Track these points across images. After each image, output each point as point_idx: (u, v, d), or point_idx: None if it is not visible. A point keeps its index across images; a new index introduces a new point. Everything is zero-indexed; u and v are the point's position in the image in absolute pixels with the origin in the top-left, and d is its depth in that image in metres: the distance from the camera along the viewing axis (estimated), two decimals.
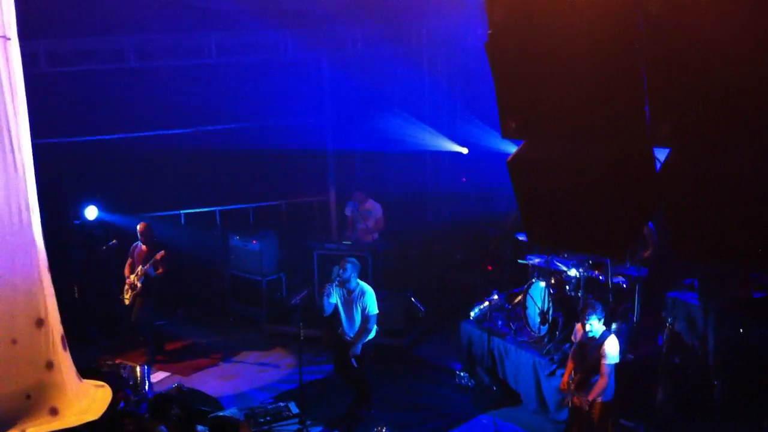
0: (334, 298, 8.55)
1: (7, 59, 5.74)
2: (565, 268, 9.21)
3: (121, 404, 7.78)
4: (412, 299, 11.17)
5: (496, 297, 9.93)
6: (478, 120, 12.47)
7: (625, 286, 8.93)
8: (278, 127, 12.50)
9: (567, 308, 9.00)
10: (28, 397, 6.02)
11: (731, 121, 3.12)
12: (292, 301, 9.40)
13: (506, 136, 3.93)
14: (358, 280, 8.53)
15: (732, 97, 3.08)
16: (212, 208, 12.99)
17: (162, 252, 10.24)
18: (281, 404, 8.86)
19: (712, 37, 3.05)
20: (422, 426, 8.75)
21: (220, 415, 7.97)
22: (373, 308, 8.46)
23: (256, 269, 11.84)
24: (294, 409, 8.71)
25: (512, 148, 4.03)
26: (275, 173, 12.80)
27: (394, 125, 12.90)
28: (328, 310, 8.62)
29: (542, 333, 9.15)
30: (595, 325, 7.32)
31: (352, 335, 8.58)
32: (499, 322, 9.77)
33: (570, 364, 7.68)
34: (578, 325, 7.68)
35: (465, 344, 10.03)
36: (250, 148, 12.37)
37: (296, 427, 8.51)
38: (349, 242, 11.48)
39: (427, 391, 9.63)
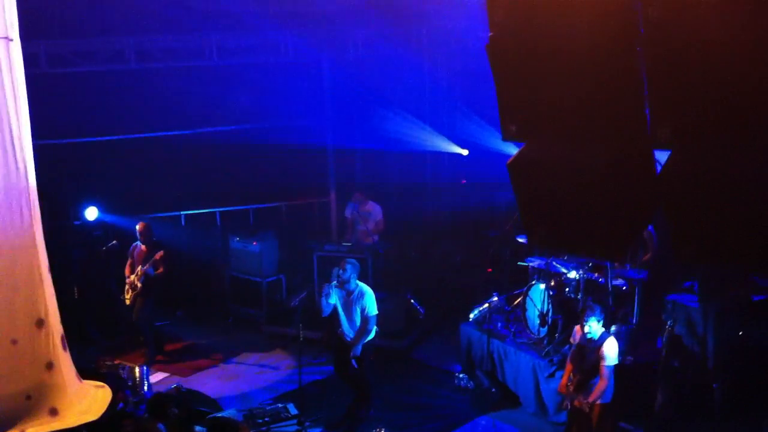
0: (333, 298, 8.55)
1: (9, 60, 5.75)
2: (565, 271, 9.21)
3: (120, 405, 7.79)
4: (412, 301, 11.17)
5: (495, 299, 9.93)
6: (478, 121, 12.48)
7: (624, 288, 8.93)
8: (278, 128, 12.51)
9: (567, 310, 9.00)
10: (29, 397, 6.03)
11: (731, 123, 3.12)
12: (292, 303, 9.39)
13: (507, 138, 3.93)
14: (358, 282, 8.53)
15: (732, 98, 3.08)
16: (212, 209, 13.00)
17: (161, 252, 10.26)
18: (280, 405, 8.86)
19: (712, 39, 3.05)
20: (421, 427, 8.75)
21: (219, 416, 7.97)
22: (373, 309, 8.46)
23: (255, 270, 11.85)
24: (293, 410, 8.71)
25: (513, 150, 4.04)
26: (275, 174, 12.81)
27: (394, 126, 12.91)
28: (327, 311, 8.62)
29: (542, 335, 9.15)
30: (593, 327, 7.33)
31: (351, 336, 8.59)
32: (499, 324, 9.77)
33: (569, 366, 7.68)
34: (577, 327, 7.69)
35: (464, 346, 10.03)
36: (250, 149, 12.39)
37: (295, 428, 8.50)
38: (348, 244, 11.48)
39: (427, 393, 9.63)
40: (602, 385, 7.24)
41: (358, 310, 8.48)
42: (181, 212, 12.79)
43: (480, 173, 12.80)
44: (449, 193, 14.15)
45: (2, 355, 5.93)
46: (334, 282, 8.46)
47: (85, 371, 7.12)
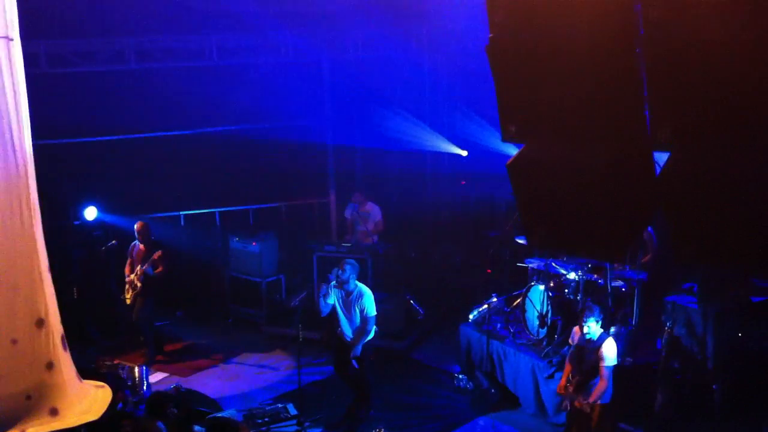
0: (332, 298, 8.55)
1: (9, 60, 5.75)
2: (564, 272, 9.22)
3: (119, 405, 7.79)
4: (411, 301, 11.18)
5: (495, 300, 9.94)
6: (478, 122, 12.49)
7: (624, 289, 8.94)
8: (278, 128, 12.52)
9: (566, 311, 9.00)
10: (29, 397, 6.03)
11: (731, 123, 3.13)
12: (292, 303, 9.41)
13: (506, 139, 3.94)
14: (357, 282, 8.53)
15: (732, 98, 3.09)
16: (212, 210, 13.00)
17: (159, 252, 10.28)
18: (280, 405, 8.87)
19: (712, 39, 3.06)
20: (420, 427, 8.76)
21: (219, 416, 7.97)
22: (372, 310, 8.46)
23: (255, 271, 11.85)
24: (292, 410, 8.72)
25: (512, 151, 4.04)
26: (275, 175, 12.82)
27: (394, 126, 12.92)
28: (325, 311, 8.62)
29: (541, 336, 9.16)
30: (592, 327, 7.33)
31: (351, 336, 8.59)
32: (498, 325, 9.77)
33: (567, 367, 7.69)
34: (576, 328, 7.69)
35: (464, 347, 10.03)
36: (250, 149, 12.40)
37: (295, 428, 8.51)
38: (348, 244, 11.48)
39: (426, 393, 9.63)
40: (602, 385, 7.25)
41: (357, 311, 8.48)
42: (181, 212, 12.80)
43: (480, 174, 12.83)
44: (449, 194, 14.16)
45: (2, 355, 5.92)
46: (333, 282, 8.46)
47: (85, 371, 7.10)
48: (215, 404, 9.19)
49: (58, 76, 11.03)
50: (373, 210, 11.73)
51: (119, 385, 8.20)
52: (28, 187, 5.96)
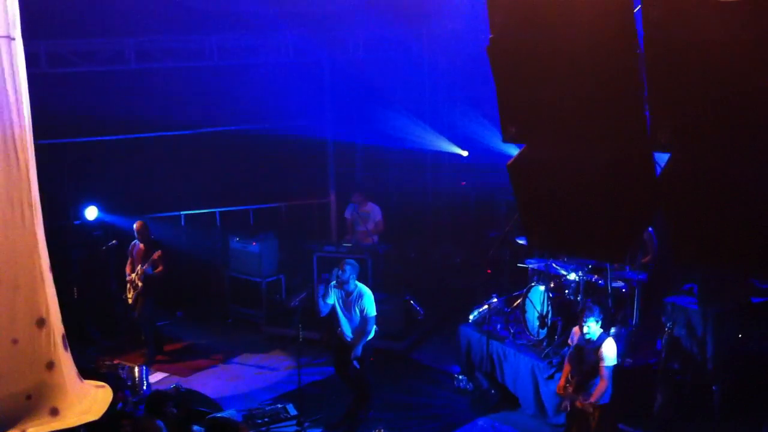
0: (332, 298, 8.55)
1: (11, 59, 5.75)
2: (564, 272, 9.22)
3: (119, 405, 7.79)
4: (411, 302, 11.17)
5: (495, 300, 9.94)
6: (478, 122, 12.49)
7: (624, 290, 8.94)
8: (279, 128, 12.53)
9: (566, 312, 9.00)
10: (29, 397, 6.02)
11: (731, 124, 3.13)
12: (292, 303, 9.41)
13: (507, 140, 3.95)
14: (357, 282, 8.53)
15: (732, 100, 3.09)
16: (212, 210, 13.00)
17: (158, 252, 10.29)
18: (280, 406, 8.88)
19: (712, 40, 3.06)
20: (420, 428, 8.76)
21: (218, 416, 7.96)
22: (372, 310, 8.46)
23: (255, 271, 11.85)
24: (292, 410, 8.73)
25: (513, 151, 4.05)
26: (275, 175, 12.82)
27: (394, 127, 12.92)
28: (325, 311, 8.62)
29: (541, 337, 9.16)
30: (592, 327, 7.33)
31: (350, 336, 8.59)
32: (498, 326, 9.77)
33: (566, 367, 7.69)
34: (575, 328, 7.69)
35: (464, 347, 10.03)
36: (250, 149, 12.40)
37: (294, 428, 8.52)
38: (348, 244, 11.48)
39: (426, 394, 9.63)
40: (603, 385, 7.24)
41: (357, 311, 8.48)
42: (181, 212, 12.79)
43: (480, 174, 12.83)
44: (449, 195, 14.16)
45: (2, 355, 5.92)
46: (333, 282, 8.47)
47: (85, 371, 7.11)
48: (215, 404, 9.18)
49: (58, 76, 11.03)
50: (373, 210, 11.72)
51: (119, 385, 8.20)
52: (29, 186, 5.96)
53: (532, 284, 9.51)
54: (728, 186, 3.21)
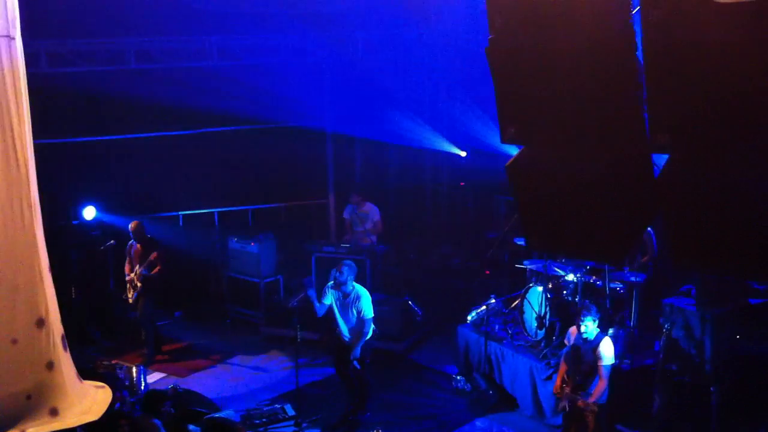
0: (329, 299, 8.56)
1: (11, 58, 5.74)
2: (562, 273, 9.23)
3: (117, 405, 7.79)
4: (410, 303, 11.18)
5: (493, 301, 9.94)
6: (477, 122, 12.50)
7: (622, 291, 8.95)
8: (278, 129, 12.54)
9: (564, 313, 9.01)
10: (29, 397, 6.01)
11: (730, 127, 3.14)
12: (290, 304, 9.42)
13: (506, 141, 3.95)
14: (354, 283, 8.54)
15: (731, 101, 3.09)
16: (211, 210, 13.01)
17: (155, 253, 10.30)
18: (278, 406, 8.90)
19: (711, 44, 3.07)
20: (418, 429, 8.76)
21: (216, 417, 7.96)
22: (369, 312, 8.47)
23: (254, 271, 11.84)
24: (290, 411, 8.74)
25: (512, 152, 4.06)
26: (274, 175, 12.82)
27: (394, 127, 12.92)
28: (321, 312, 8.63)
29: (539, 338, 9.16)
30: (589, 327, 7.34)
31: (348, 337, 8.60)
32: (497, 327, 9.77)
33: (563, 367, 7.69)
34: (572, 328, 7.70)
35: (462, 348, 10.04)
36: (249, 149, 12.40)
37: (292, 429, 8.54)
38: (347, 245, 11.49)
39: (424, 394, 9.63)
40: (602, 385, 7.26)
41: (355, 312, 8.49)
42: (180, 212, 12.80)
43: (479, 175, 12.83)
44: (448, 196, 14.16)
45: (2, 355, 5.91)
46: (330, 283, 8.48)
47: (83, 371, 7.10)
48: (213, 404, 9.18)
49: (58, 76, 11.03)
50: (372, 210, 11.72)
51: (117, 385, 8.21)
52: (29, 186, 5.95)
53: (531, 285, 9.52)
54: (727, 188, 3.21)
